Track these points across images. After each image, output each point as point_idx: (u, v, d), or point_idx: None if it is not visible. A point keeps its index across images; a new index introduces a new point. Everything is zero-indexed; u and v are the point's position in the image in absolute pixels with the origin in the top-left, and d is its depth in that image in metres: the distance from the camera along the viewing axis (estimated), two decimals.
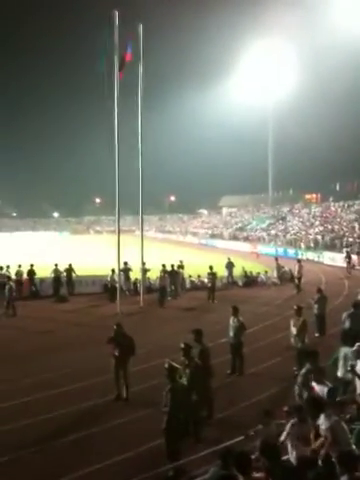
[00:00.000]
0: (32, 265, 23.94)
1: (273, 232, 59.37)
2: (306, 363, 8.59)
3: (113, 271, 22.02)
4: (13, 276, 22.87)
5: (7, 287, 19.84)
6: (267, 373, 11.79)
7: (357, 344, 8.81)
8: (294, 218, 62.92)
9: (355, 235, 43.89)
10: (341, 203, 60.04)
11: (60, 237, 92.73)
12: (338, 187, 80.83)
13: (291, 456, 6.38)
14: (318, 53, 68.43)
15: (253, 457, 5.84)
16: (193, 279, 25.98)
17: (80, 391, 10.82)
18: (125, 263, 23.13)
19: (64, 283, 23.92)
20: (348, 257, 31.65)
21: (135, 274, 23.92)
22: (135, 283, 24.02)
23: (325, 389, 7.54)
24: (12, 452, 8.12)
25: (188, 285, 25.59)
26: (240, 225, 72.75)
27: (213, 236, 70.38)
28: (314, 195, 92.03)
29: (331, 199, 70.49)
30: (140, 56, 20.85)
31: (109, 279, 22.66)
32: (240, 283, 26.92)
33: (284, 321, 14.75)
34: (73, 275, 24.14)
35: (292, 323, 12.00)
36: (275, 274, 27.54)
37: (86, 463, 7.75)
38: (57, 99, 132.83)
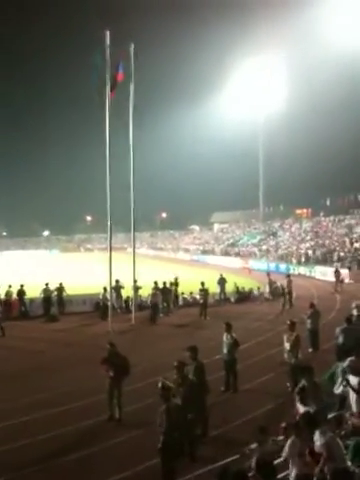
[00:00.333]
0: (22, 285, 23.67)
1: (264, 247, 59.56)
2: (301, 379, 8.53)
3: (105, 289, 21.93)
4: (3, 296, 22.70)
5: None
6: (261, 389, 11.71)
7: (349, 359, 8.77)
8: (285, 233, 63.24)
9: (346, 250, 44.16)
10: (332, 218, 60.51)
11: (50, 255, 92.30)
12: (328, 202, 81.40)
13: (291, 474, 6.30)
14: (308, 69, 69.71)
15: (250, 475, 5.77)
16: (185, 296, 25.91)
17: (74, 411, 10.69)
18: (117, 281, 23.01)
19: (55, 302, 23.69)
20: (337, 272, 31.54)
21: (127, 292, 23.80)
22: (127, 301, 23.89)
23: (304, 409, 7.43)
24: (11, 472, 8.03)
25: (180, 302, 25.50)
26: (231, 241, 72.95)
27: (205, 252, 70.43)
28: (305, 210, 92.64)
29: (322, 214, 70.99)
30: (131, 75, 21.05)
31: (101, 297, 22.53)
32: (232, 299, 26.88)
33: (277, 336, 14.72)
34: (64, 294, 23.95)
35: (285, 338, 11.95)
36: (267, 289, 27.54)
37: None
38: (48, 117, 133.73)
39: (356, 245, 44.62)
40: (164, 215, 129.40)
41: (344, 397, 8.55)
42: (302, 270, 41.31)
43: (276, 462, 6.43)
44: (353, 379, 8.30)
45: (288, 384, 11.13)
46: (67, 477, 8.07)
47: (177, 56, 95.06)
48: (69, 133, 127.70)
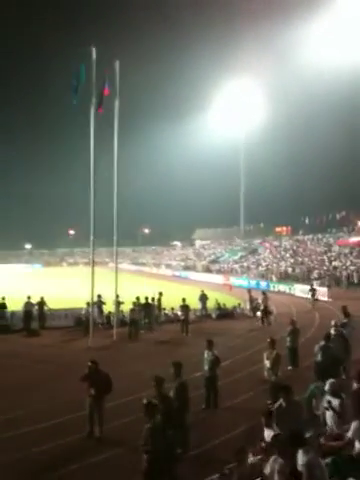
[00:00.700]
0: (3, 298, 23.48)
1: (245, 264, 59.97)
2: (280, 397, 8.60)
3: (88, 304, 21.80)
4: None
5: None
6: (242, 407, 11.75)
7: (330, 381, 8.79)
8: (265, 251, 63.80)
9: (325, 268, 44.75)
10: (311, 236, 61.35)
11: (32, 269, 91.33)
12: (308, 220, 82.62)
13: None
14: (287, 90, 71.66)
15: None
16: (167, 312, 25.90)
17: (53, 428, 10.54)
18: (98, 296, 22.94)
19: (36, 316, 23.46)
20: (312, 290, 31.72)
21: (109, 307, 23.71)
22: (109, 316, 23.79)
23: (271, 433, 7.35)
24: None
25: (162, 318, 25.47)
26: (213, 257, 73.27)
27: (186, 268, 70.56)
28: (284, 228, 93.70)
29: (301, 232, 71.92)
30: (116, 91, 21.28)
31: (84, 312, 22.40)
32: (214, 315, 26.96)
33: (257, 354, 14.82)
34: (45, 308, 23.74)
35: (265, 356, 12.07)
36: (248, 306, 27.73)
37: None
38: (32, 131, 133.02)
39: (334, 263, 45.26)
40: (146, 231, 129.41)
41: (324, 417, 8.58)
42: (282, 287, 41.68)
43: None
44: (334, 401, 8.30)
45: (269, 402, 11.20)
46: None
47: (161, 74, 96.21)
48: (53, 147, 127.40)
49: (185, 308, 22.79)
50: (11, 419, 11.11)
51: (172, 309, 25.62)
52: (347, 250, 49.09)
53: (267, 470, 6.42)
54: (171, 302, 26.26)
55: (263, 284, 43.81)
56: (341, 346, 13.53)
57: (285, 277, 46.65)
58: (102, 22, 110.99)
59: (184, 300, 23.13)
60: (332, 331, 14.63)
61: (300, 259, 51.47)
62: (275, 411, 8.31)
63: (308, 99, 70.98)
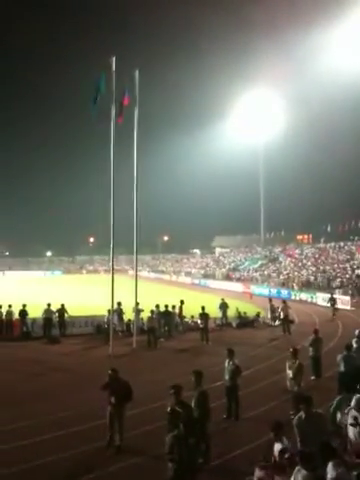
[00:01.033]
0: (24, 305, 23.60)
1: (266, 272, 59.49)
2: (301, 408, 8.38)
3: (109, 311, 21.78)
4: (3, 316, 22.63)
5: None
6: (264, 418, 11.50)
7: (358, 396, 8.48)
8: (286, 259, 63.23)
9: (347, 276, 44.09)
10: (332, 244, 60.61)
11: (53, 276, 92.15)
12: (329, 228, 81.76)
13: None
14: (308, 97, 71.26)
15: None
16: (187, 319, 25.76)
17: (73, 436, 10.51)
18: (118, 303, 22.95)
19: (56, 324, 23.58)
20: (332, 300, 31.10)
21: (128, 315, 23.70)
22: (128, 324, 23.77)
23: (280, 447, 6.99)
24: None
25: (181, 326, 25.31)
26: (233, 265, 72.89)
27: (206, 276, 70.31)
28: (305, 236, 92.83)
29: (322, 240, 71.10)
30: (136, 101, 21.42)
31: (106, 320, 22.39)
32: (234, 324, 26.73)
33: (279, 363, 14.61)
34: (66, 315, 23.83)
35: (288, 366, 11.86)
36: (269, 315, 27.41)
37: None
38: (53, 140, 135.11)
39: (357, 272, 44.57)
40: (166, 238, 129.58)
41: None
42: (303, 296, 41.16)
43: None
44: None
45: (291, 412, 10.99)
46: None
47: (181, 83, 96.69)
48: (74, 156, 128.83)
49: (205, 316, 22.63)
50: (32, 426, 11.12)
51: (192, 317, 25.47)
52: None
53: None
54: (191, 310, 26.12)
55: (284, 293, 43.35)
56: None
57: (307, 286, 46.09)
58: (122, 32, 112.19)
59: (203, 308, 22.97)
60: (354, 341, 14.36)
61: (322, 267, 50.82)
62: (296, 422, 8.14)
63: (328, 106, 70.67)
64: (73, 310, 24.81)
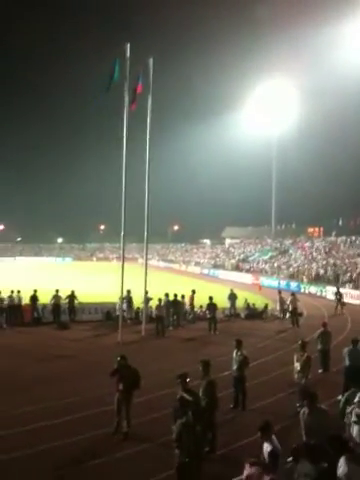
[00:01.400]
0: (35, 290, 23.81)
1: (276, 264, 59.31)
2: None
3: (120, 299, 21.85)
4: (15, 301, 22.89)
5: None
6: (270, 409, 11.58)
7: None
8: (296, 251, 62.95)
9: (358, 270, 43.80)
10: (344, 238, 60.20)
11: (63, 263, 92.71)
12: (341, 222, 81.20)
13: None
14: (321, 89, 70.46)
15: None
16: (196, 309, 25.81)
17: (80, 422, 10.61)
18: (128, 291, 23.04)
19: (66, 310, 23.75)
20: (338, 294, 30.65)
21: (137, 303, 23.80)
22: (137, 312, 23.88)
23: (269, 448, 6.70)
24: None
25: (190, 316, 25.36)
26: (243, 256, 72.74)
27: (216, 266, 70.28)
28: (316, 229, 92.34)
29: (334, 233, 70.67)
30: (150, 88, 21.30)
31: (117, 307, 22.51)
32: (242, 315, 26.74)
33: (287, 355, 14.61)
34: (75, 302, 24.01)
35: (296, 358, 11.85)
36: (278, 307, 27.37)
37: None
38: (66, 129, 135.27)
39: None
40: (176, 228, 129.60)
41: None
42: (313, 289, 41.01)
43: None
44: None
45: (298, 405, 11.00)
46: None
47: (195, 72, 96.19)
48: (86, 143, 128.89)
49: (212, 306, 22.67)
50: (39, 411, 11.24)
51: (201, 307, 25.51)
52: None
53: (295, 475, 6.28)
54: (200, 300, 26.16)
55: (293, 285, 43.22)
56: None
57: (316, 279, 45.89)
58: (137, 19, 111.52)
59: (211, 298, 22.99)
60: None
61: (332, 261, 50.53)
62: (301, 416, 8.15)
63: (342, 99, 69.81)
64: (83, 297, 24.99)
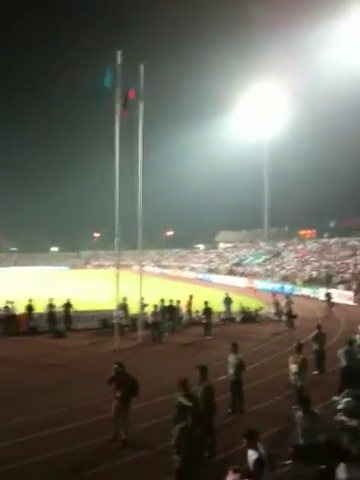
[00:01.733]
0: (30, 300, 23.79)
1: (269, 267, 59.51)
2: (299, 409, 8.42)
3: (118, 306, 21.82)
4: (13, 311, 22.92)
5: None
6: (267, 412, 11.65)
7: (346, 400, 8.40)
8: (289, 254, 63.22)
9: (350, 271, 44.07)
10: (336, 239, 60.55)
11: (59, 272, 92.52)
12: (333, 224, 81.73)
13: None
14: (313, 92, 70.89)
15: None
16: (192, 314, 25.82)
17: (78, 430, 10.59)
18: (124, 298, 23.06)
19: (61, 318, 23.73)
20: (328, 295, 30.82)
21: (133, 310, 23.81)
22: (134, 319, 23.88)
23: (254, 456, 6.59)
24: None
25: (186, 321, 25.39)
26: (237, 260, 72.92)
27: (210, 271, 70.40)
28: (309, 231, 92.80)
29: (326, 235, 71.06)
30: (141, 95, 21.42)
31: (115, 315, 22.48)
32: (238, 319, 26.82)
33: (282, 358, 14.67)
34: (71, 310, 23.98)
35: (291, 360, 11.94)
36: (272, 310, 27.49)
37: None
38: (57, 135, 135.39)
39: None
40: (170, 233, 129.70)
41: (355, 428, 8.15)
42: (306, 291, 41.20)
43: None
44: (351, 422, 7.92)
45: (294, 407, 11.07)
46: None
47: (185, 77, 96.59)
48: (78, 149, 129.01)
49: (208, 311, 22.75)
50: (36, 420, 11.21)
51: (196, 312, 25.57)
52: None
53: (291, 477, 6.33)
54: (195, 305, 26.24)
55: (287, 288, 43.41)
56: None
57: (310, 281, 46.12)
58: (127, 26, 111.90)
59: (206, 303, 23.11)
60: (358, 337, 14.43)
61: (325, 263, 50.81)
62: (296, 419, 8.24)
63: (333, 101, 70.42)
64: (79, 305, 24.99)
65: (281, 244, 70.65)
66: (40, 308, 23.95)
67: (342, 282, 40.87)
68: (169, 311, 23.33)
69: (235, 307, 27.40)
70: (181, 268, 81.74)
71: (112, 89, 20.08)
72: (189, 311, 25.50)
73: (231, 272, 64.90)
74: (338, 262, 49.36)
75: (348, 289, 37.66)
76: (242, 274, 60.82)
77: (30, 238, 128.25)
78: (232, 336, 19.59)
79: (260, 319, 27.14)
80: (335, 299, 31.83)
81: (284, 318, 25.25)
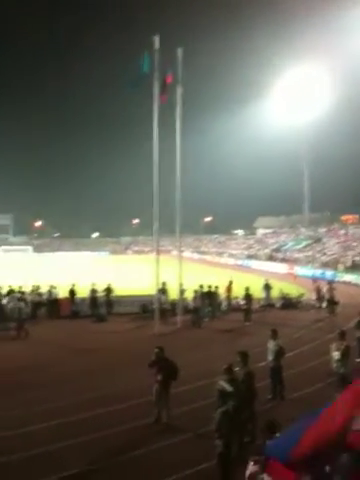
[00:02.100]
0: (73, 284, 24.43)
1: (310, 253, 58.50)
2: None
3: (158, 291, 22.00)
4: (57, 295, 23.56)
5: (17, 308, 19.84)
6: (309, 399, 11.46)
7: None
8: (331, 239, 61.93)
9: None
10: None
11: (99, 257, 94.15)
12: None
13: None
14: (352, 76, 68.55)
15: None
16: (232, 300, 25.75)
17: (120, 413, 10.77)
18: (163, 283, 23.19)
19: (103, 303, 24.15)
20: None
21: (172, 295, 23.93)
22: (173, 304, 23.99)
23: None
24: (50, 475, 8.08)
25: (226, 307, 25.35)
26: (276, 246, 72.07)
27: (249, 257, 69.88)
28: (351, 216, 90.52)
29: None
30: (179, 80, 21.22)
31: (155, 299, 22.68)
32: (278, 305, 26.56)
33: (323, 345, 14.44)
34: (112, 295, 24.37)
35: (334, 347, 11.71)
36: (313, 297, 27.06)
37: None
38: (97, 123, 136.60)
39: None
40: (208, 219, 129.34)
41: None
42: (349, 278, 40.30)
43: None
44: None
45: (337, 394, 10.87)
46: (111, 479, 8.07)
47: (224, 61, 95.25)
48: (117, 137, 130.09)
49: (248, 297, 22.63)
50: (81, 402, 11.45)
51: (236, 298, 25.47)
52: None
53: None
54: (234, 291, 26.13)
55: (329, 274, 42.57)
56: None
57: (352, 267, 45.05)
58: (165, 10, 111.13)
59: (247, 289, 22.97)
60: None
61: None
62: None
63: None
64: (119, 290, 25.35)
65: (322, 229, 69.24)
66: (82, 293, 24.43)
67: None
68: (208, 297, 23.32)
69: (275, 293, 27.13)
70: (220, 254, 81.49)
71: (150, 74, 19.99)
72: (228, 297, 25.43)
73: (271, 258, 64.21)
74: None
75: None
76: (282, 260, 60.08)
77: (72, 224, 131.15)
78: (272, 322, 19.41)
79: (301, 305, 26.78)
80: None
81: (325, 304, 24.82)
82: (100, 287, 24.45)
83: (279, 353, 11.88)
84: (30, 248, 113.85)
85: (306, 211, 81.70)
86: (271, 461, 5.38)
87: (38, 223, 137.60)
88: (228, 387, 7.94)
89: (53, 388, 12.68)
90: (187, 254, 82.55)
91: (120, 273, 45.13)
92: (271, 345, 12.06)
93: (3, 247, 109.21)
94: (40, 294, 23.75)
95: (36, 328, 20.60)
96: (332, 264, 48.90)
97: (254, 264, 61.39)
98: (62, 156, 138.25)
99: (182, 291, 22.76)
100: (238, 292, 25.14)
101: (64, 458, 8.73)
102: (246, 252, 75.24)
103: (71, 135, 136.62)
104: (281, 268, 52.42)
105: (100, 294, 24.26)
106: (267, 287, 26.76)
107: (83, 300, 24.29)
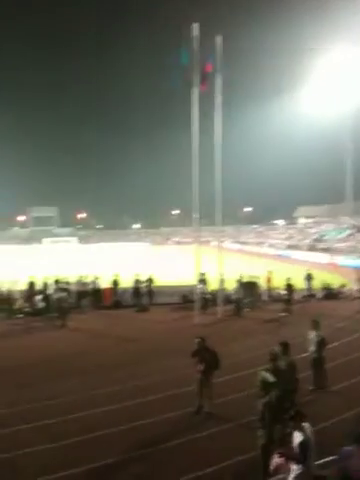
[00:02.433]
0: (116, 275, 24.85)
1: (353, 243, 57.18)
2: None
3: (199, 281, 22.13)
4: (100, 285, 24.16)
5: (60, 298, 20.43)
6: (352, 391, 11.35)
7: None
8: None
9: None
10: None
11: (141, 248, 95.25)
12: None
13: None
14: None
15: None
16: (272, 290, 25.58)
17: (162, 402, 10.92)
18: (203, 274, 23.28)
19: (145, 293, 24.50)
20: None
21: (212, 285, 23.98)
22: (214, 294, 24.04)
23: (299, 438, 6.29)
24: (88, 463, 8.25)
25: (266, 297, 25.21)
26: (317, 236, 70.79)
27: (290, 247, 68.98)
28: None
29: None
30: (219, 68, 21.02)
31: (197, 290, 22.84)
32: (319, 296, 26.19)
33: None
34: (153, 285, 24.67)
35: None
36: (356, 287, 26.51)
37: (164, 478, 7.85)
38: (138, 116, 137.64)
39: None
40: (248, 209, 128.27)
41: None
42: None
43: None
44: None
45: None
46: (153, 467, 8.17)
47: (264, 48, 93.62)
48: (157, 126, 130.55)
49: (289, 287, 22.43)
50: (121, 390, 11.68)
51: (277, 288, 25.28)
52: None
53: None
54: (274, 281, 25.92)
55: None
56: None
57: None
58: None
59: (288, 280, 22.77)
60: None
61: None
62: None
63: None
64: (161, 280, 25.65)
65: None
66: (124, 283, 24.83)
67: None
68: (249, 287, 23.26)
69: (317, 284, 26.75)
70: (259, 244, 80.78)
71: (189, 63, 19.90)
72: (269, 287, 25.28)
73: (312, 248, 63.17)
74: None
75: None
76: (323, 250, 59.00)
77: (114, 216, 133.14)
78: (313, 313, 19.14)
79: (343, 296, 26.30)
80: None
81: None
82: (142, 277, 24.77)
83: (321, 344, 11.76)
84: (75, 239, 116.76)
85: (349, 199, 79.70)
86: None
87: (82, 215, 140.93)
88: (270, 377, 7.94)
89: (95, 377, 12.90)
90: (226, 245, 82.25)
91: (161, 264, 45.51)
92: (312, 336, 11.95)
93: (51, 239, 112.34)
94: (85, 284, 24.32)
95: (80, 317, 21.13)
96: None
97: (294, 254, 60.57)
98: (104, 149, 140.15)
99: (222, 281, 22.77)
100: (278, 283, 24.92)
101: (105, 446, 8.86)
102: (286, 242, 74.27)
103: (113, 128, 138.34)
104: (322, 258, 51.52)
105: (142, 284, 24.60)
106: (309, 277, 26.45)
107: (125, 290, 24.69)
